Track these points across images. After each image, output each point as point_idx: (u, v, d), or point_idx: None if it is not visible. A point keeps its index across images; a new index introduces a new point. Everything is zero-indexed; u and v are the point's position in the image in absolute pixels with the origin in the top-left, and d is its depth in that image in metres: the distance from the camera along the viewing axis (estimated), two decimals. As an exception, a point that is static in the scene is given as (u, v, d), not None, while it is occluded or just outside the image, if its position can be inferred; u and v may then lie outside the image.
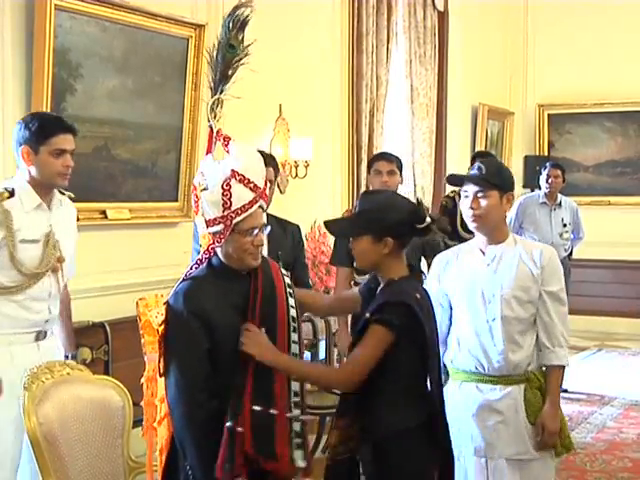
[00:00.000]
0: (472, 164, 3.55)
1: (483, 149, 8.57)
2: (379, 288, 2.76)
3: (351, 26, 6.74)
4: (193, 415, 2.53)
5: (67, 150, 3.28)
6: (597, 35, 9.39)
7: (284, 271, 2.85)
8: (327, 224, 2.89)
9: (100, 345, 4.52)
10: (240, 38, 2.72)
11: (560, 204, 7.19)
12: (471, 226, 3.18)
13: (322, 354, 5.47)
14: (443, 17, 8.21)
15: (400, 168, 4.67)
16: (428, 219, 2.71)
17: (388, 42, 7.15)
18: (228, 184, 2.56)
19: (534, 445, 3.12)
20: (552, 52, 9.67)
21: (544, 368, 3.18)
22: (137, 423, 3.04)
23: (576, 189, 8.98)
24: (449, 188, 5.90)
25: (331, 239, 6.29)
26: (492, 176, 3.13)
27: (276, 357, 2.60)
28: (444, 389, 3.05)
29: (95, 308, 4.60)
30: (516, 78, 9.95)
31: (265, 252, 2.82)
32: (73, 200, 3.52)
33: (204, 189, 2.60)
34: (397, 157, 4.77)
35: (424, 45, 7.81)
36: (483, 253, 3.18)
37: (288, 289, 2.78)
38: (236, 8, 2.71)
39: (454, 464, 2.78)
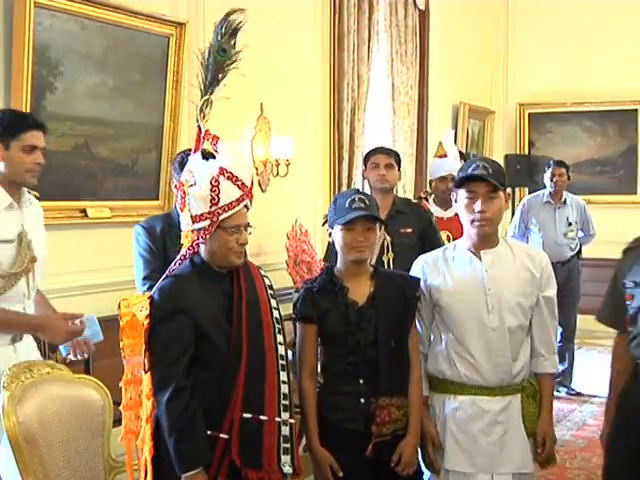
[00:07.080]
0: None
1: (464, 148, 8.57)
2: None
3: (332, 25, 6.73)
4: (177, 399, 2.53)
5: (38, 147, 3.26)
6: (577, 35, 9.44)
7: (263, 272, 2.86)
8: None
9: (80, 344, 4.49)
10: (232, 43, 2.75)
11: (565, 202, 7.09)
12: (473, 231, 2.93)
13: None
14: (424, 16, 8.22)
15: (398, 162, 4.54)
16: None
17: (369, 41, 7.15)
18: (216, 180, 2.60)
19: (533, 457, 3.00)
20: (533, 51, 9.72)
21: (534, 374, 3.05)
22: (117, 422, 3.03)
23: (556, 188, 9.03)
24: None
25: (313, 236, 6.28)
26: (499, 176, 2.90)
27: None
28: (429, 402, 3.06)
29: (76, 307, 4.56)
30: (497, 77, 9.99)
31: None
32: (53, 199, 3.49)
33: (191, 185, 2.63)
34: (395, 151, 4.68)
35: (405, 44, 7.81)
36: (478, 257, 2.96)
37: (269, 290, 2.79)
38: (229, 14, 2.75)
39: None
